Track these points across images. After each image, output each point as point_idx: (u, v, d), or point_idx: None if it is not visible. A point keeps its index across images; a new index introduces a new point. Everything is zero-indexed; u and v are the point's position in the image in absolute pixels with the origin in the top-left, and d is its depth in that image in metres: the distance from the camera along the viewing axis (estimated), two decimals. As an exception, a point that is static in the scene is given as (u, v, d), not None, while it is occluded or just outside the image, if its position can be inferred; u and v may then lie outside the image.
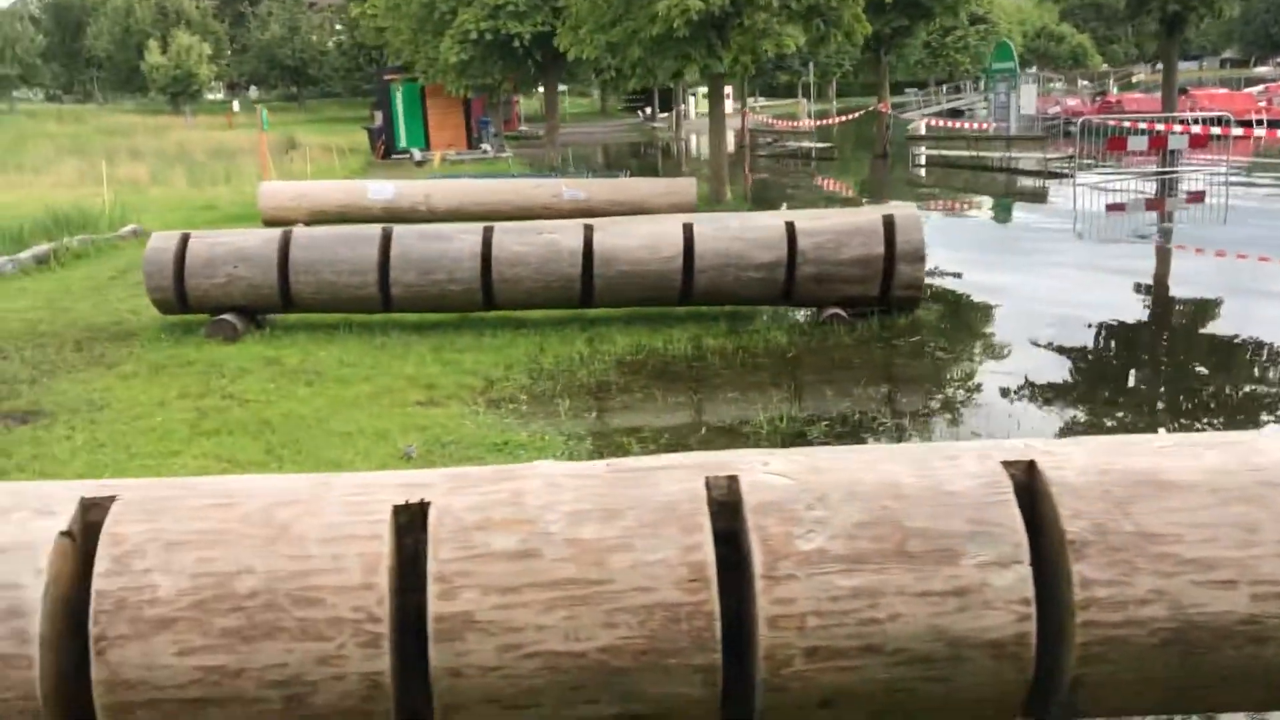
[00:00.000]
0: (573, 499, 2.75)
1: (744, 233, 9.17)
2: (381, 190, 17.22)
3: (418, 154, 38.02)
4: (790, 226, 9.15)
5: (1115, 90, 45.32)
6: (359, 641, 2.56)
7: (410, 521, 2.77)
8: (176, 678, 2.53)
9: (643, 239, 9.19)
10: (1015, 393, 7.35)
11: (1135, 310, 10.30)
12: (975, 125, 32.69)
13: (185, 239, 9.31)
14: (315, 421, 6.73)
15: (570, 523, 2.69)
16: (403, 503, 2.77)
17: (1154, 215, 17.76)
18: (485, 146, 38.90)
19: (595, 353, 8.45)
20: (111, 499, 2.77)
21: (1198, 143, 21.96)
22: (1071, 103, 41.76)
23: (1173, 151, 21.63)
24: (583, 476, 2.84)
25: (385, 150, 40.20)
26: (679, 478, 2.80)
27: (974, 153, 27.76)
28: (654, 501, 2.73)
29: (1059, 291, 10.91)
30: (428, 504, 2.77)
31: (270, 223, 16.76)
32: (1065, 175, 23.63)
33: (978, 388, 7.63)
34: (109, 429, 6.61)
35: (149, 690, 2.53)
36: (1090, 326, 9.34)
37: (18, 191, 23.70)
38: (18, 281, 12.18)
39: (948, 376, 7.97)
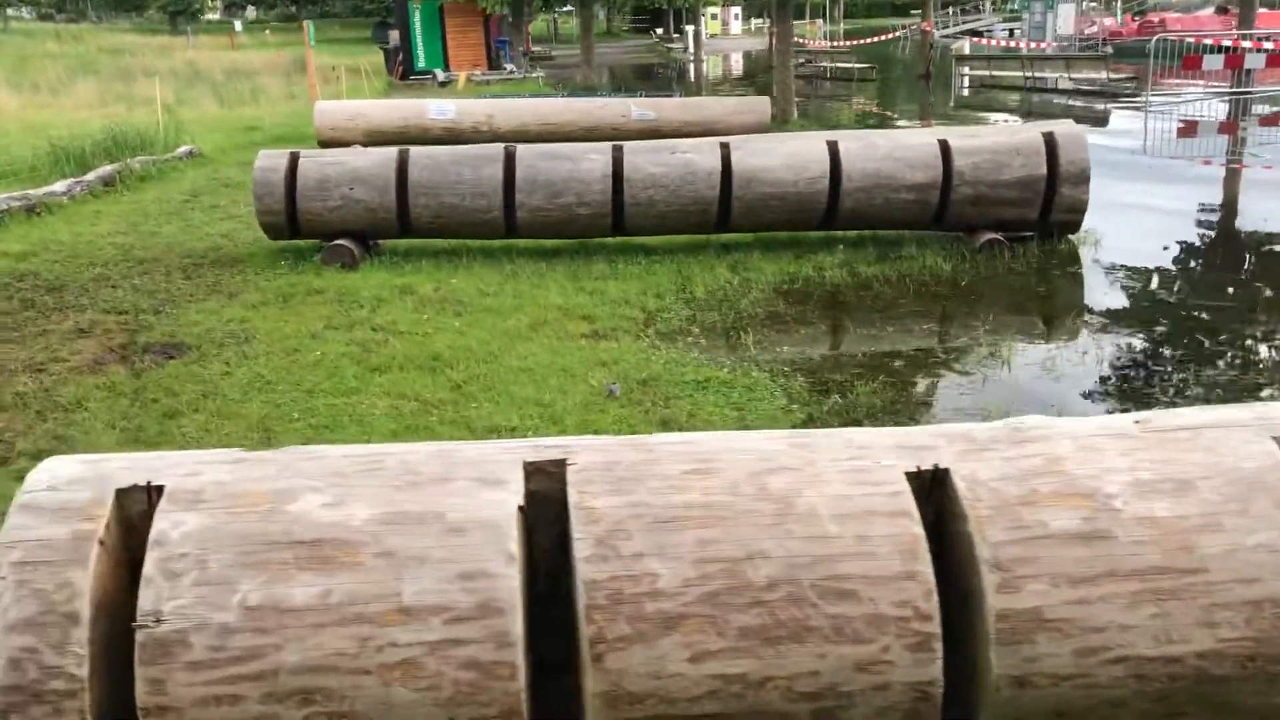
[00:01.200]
0: (1127, 466, 2.25)
1: (894, 152, 8.58)
2: (443, 110, 16.51)
3: (440, 75, 36.98)
4: (944, 145, 8.56)
5: (1155, 10, 44.12)
6: (905, 644, 2.08)
7: (919, 491, 2.27)
8: (689, 689, 2.06)
9: (785, 159, 8.60)
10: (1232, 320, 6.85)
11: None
12: (1029, 45, 31.73)
13: (295, 159, 8.70)
14: (487, 356, 6.22)
15: (1135, 496, 2.19)
16: (913, 468, 2.27)
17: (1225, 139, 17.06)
18: (510, 67, 37.86)
19: (746, 282, 7.91)
20: (559, 464, 2.27)
21: (1274, 61, 21.18)
22: (1109, 23, 40.58)
23: (1248, 71, 20.88)
24: (1120, 437, 2.33)
25: (404, 71, 39.11)
26: (1244, 438, 2.30)
27: (1028, 73, 26.87)
28: (1230, 469, 2.23)
29: (1194, 213, 10.36)
30: (944, 471, 2.27)
31: (325, 144, 16.10)
32: (1127, 97, 22.87)
33: (1193, 317, 7.12)
34: (268, 364, 6.10)
35: (657, 704, 2.05)
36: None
37: (45, 111, 22.86)
38: (89, 205, 11.55)
39: (1148, 307, 7.44)
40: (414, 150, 8.81)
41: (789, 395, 5.54)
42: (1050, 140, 8.53)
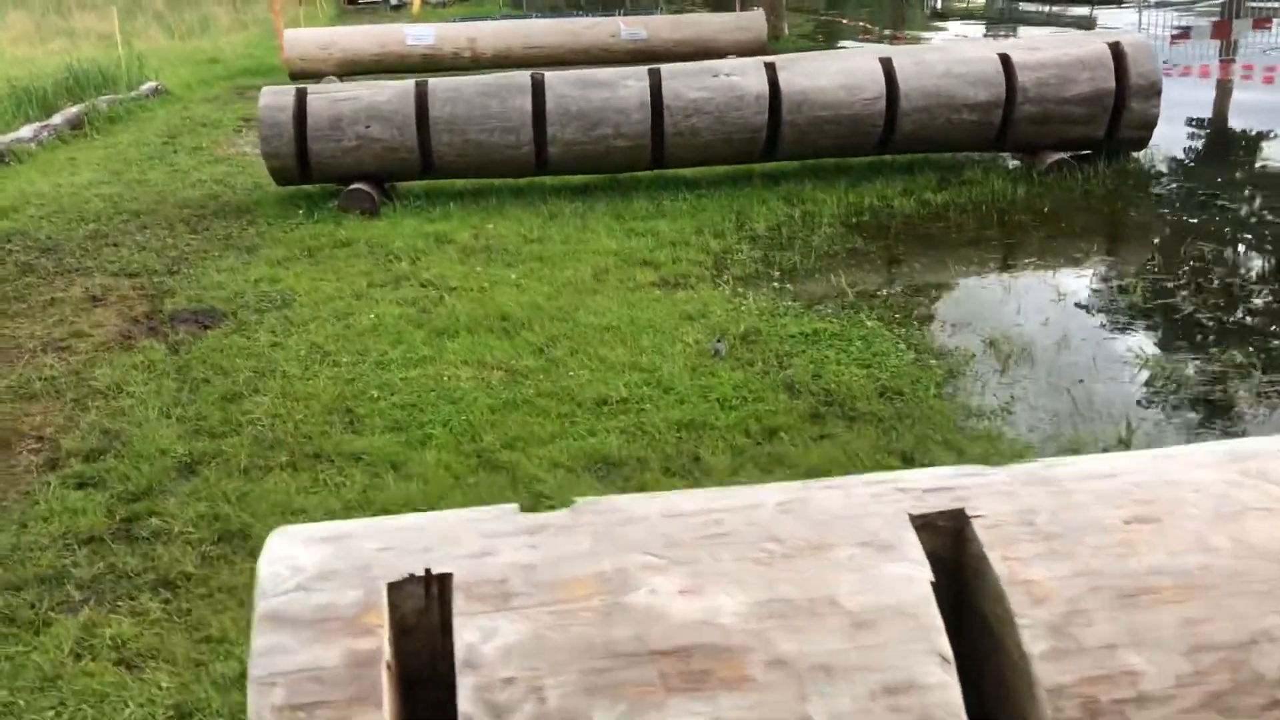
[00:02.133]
0: None
1: (953, 68, 7.99)
2: (421, 35, 15.60)
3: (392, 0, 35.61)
4: (1006, 60, 7.97)
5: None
6: None
7: None
8: (1193, 821, 1.54)
9: (838, 78, 7.98)
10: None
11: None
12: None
13: (303, 96, 7.92)
14: (559, 313, 5.62)
15: None
16: None
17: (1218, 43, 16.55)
18: (463, -13, 36.49)
19: (809, 215, 7.33)
20: (955, 515, 1.73)
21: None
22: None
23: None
24: None
25: (354, -3, 37.61)
26: None
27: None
28: None
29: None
30: None
31: (296, 75, 15.21)
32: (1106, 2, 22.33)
33: None
34: (320, 331, 5.46)
35: (1152, 845, 1.54)
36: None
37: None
38: (61, 151, 10.66)
39: (1254, 228, 6.97)
40: (434, 82, 8.07)
41: (914, 347, 5.02)
42: (1118, 51, 7.97)
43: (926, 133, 8.06)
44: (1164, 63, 10.89)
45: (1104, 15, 21.84)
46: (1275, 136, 9.57)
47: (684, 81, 8.01)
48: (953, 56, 8.13)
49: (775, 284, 6.05)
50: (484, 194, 8.18)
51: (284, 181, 8.17)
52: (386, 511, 3.61)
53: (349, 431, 4.33)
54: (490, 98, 7.91)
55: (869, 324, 5.30)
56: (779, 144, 8.11)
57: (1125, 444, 4.00)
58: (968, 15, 25.15)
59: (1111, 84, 7.89)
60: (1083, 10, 22.81)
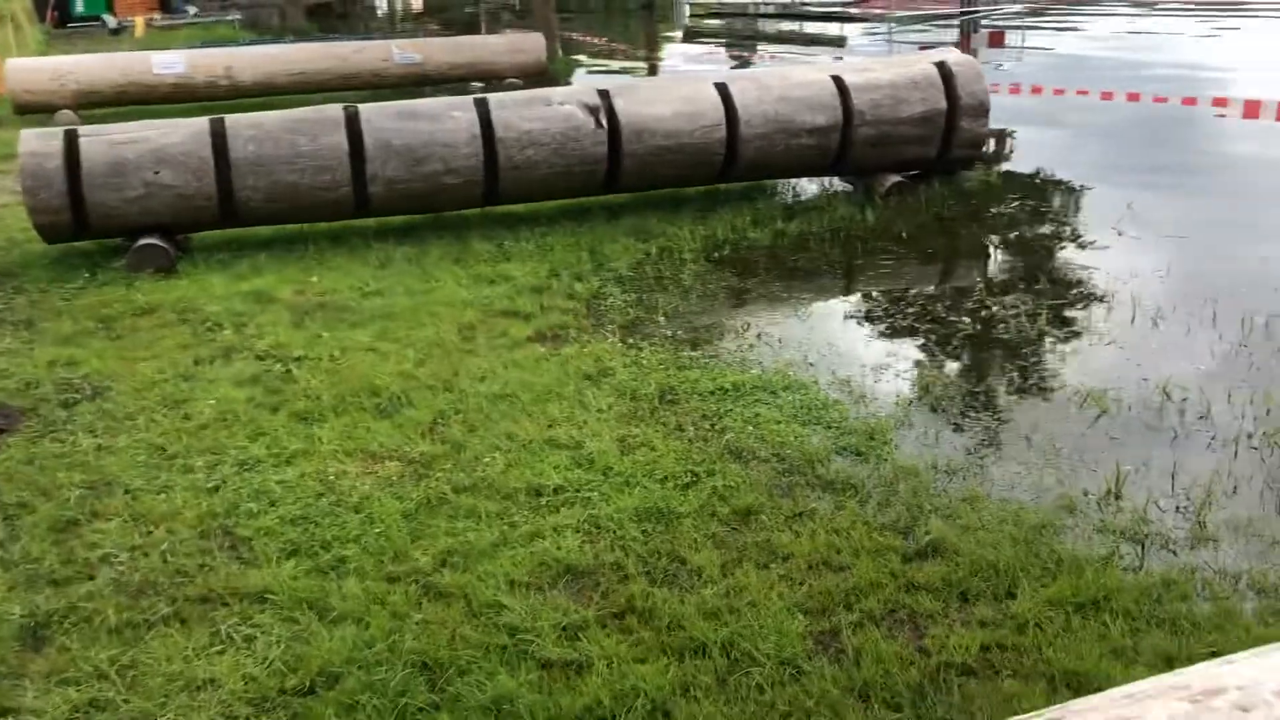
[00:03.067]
0: None
1: (790, 92, 7.76)
2: (170, 64, 14.15)
3: (111, 21, 32.80)
4: (840, 82, 7.82)
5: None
6: None
7: None
8: None
9: (677, 105, 7.59)
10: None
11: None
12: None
13: (74, 139, 6.76)
14: (437, 382, 4.91)
15: None
16: None
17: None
18: (191, 9, 34.18)
19: (666, 251, 6.89)
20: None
21: (994, -20, 22.02)
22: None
23: (978, -10, 21.59)
24: None
25: (61, 18, 34.42)
26: None
27: (758, -1, 26.86)
28: None
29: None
30: None
31: (23, 108, 13.52)
32: (862, 20, 23.24)
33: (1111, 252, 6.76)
34: (154, 427, 4.51)
35: None
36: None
37: None
38: None
39: (1085, 244, 7.03)
40: (232, 119, 7.09)
41: (847, 394, 4.64)
42: (945, 71, 7.98)
43: (767, 159, 7.79)
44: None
45: (853, 33, 22.63)
46: (1079, 143, 9.93)
47: (515, 112, 7.40)
48: (788, 80, 7.90)
49: (665, 331, 5.56)
50: (296, 242, 7.27)
51: (55, 239, 6.97)
52: (327, 674, 2.87)
53: (237, 561, 3.49)
54: (299, 134, 7.02)
55: (789, 372, 4.88)
56: (620, 176, 7.63)
57: (1115, 495, 3.75)
58: (713, 35, 25.58)
59: (943, 104, 7.88)
60: (833, 29, 23.61)
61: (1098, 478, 3.88)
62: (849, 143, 7.83)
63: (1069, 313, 5.64)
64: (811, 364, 5.03)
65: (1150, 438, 4.21)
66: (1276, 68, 13.15)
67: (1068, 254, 6.70)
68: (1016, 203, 7.87)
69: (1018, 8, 21.90)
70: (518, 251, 7.01)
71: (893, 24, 20.91)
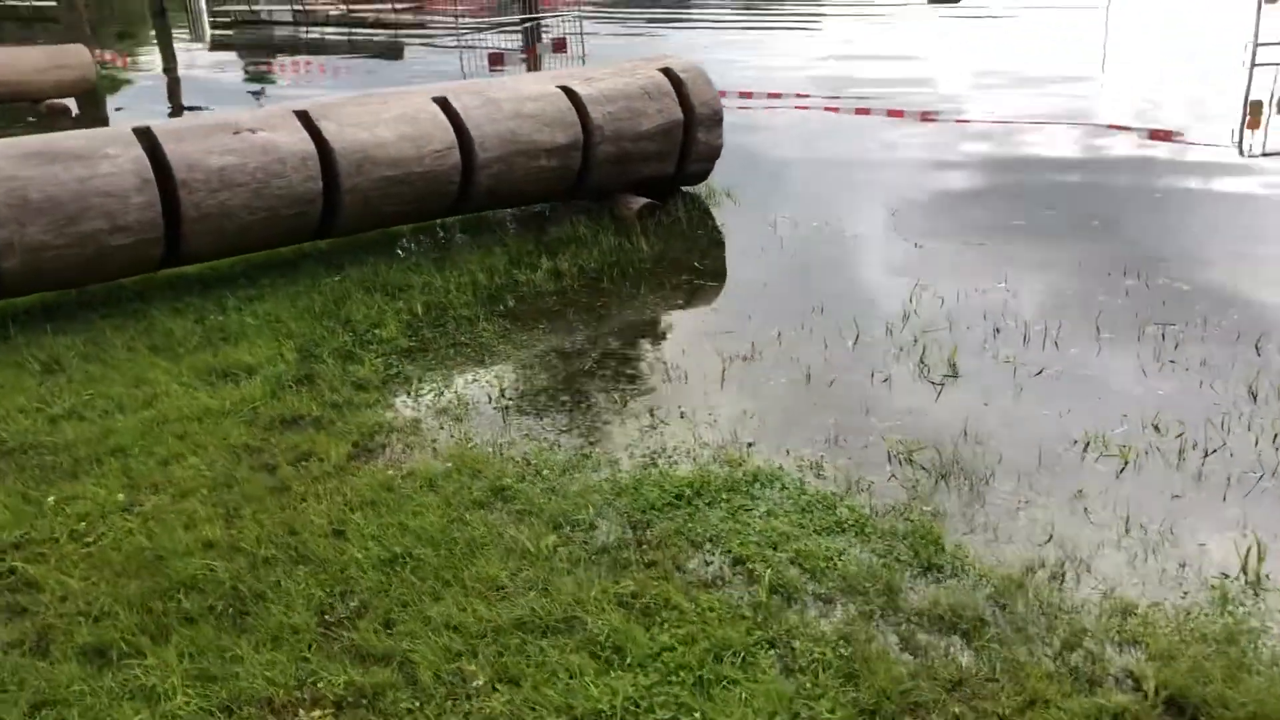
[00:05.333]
0: None
1: (522, 107, 6.64)
2: None
3: None
4: (573, 95, 6.82)
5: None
6: None
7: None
8: None
9: (398, 127, 6.20)
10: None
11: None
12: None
13: None
14: (281, 553, 3.35)
15: None
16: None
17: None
18: None
19: (434, 306, 5.54)
20: None
21: (550, -14, 21.89)
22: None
23: (536, -2, 21.34)
24: None
25: None
26: None
27: (297, 4, 24.70)
28: None
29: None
30: None
31: None
32: (418, 27, 22.13)
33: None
34: None
35: None
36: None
37: None
38: None
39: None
40: None
41: (842, 481, 3.72)
42: (674, 78, 7.25)
43: (506, 186, 6.62)
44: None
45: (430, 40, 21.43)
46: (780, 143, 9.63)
47: (197, 145, 5.62)
48: (516, 94, 6.75)
49: (526, 420, 4.30)
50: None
51: None
52: None
53: None
54: (-116, 192, 4.81)
55: (736, 456, 3.86)
56: (337, 217, 6.10)
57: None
58: (250, 44, 23.21)
59: (679, 114, 7.15)
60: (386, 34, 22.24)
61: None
62: (590, 162, 6.86)
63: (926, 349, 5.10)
64: (750, 441, 4.04)
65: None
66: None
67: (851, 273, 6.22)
68: (788, 219, 7.26)
69: (576, 12, 21.92)
70: (235, 327, 5.30)
71: (461, 31, 20.06)
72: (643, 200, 7.06)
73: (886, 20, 19.42)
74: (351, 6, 24.24)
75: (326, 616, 3.04)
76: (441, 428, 4.27)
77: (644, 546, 3.35)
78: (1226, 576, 3.13)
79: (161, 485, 3.80)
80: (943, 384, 4.52)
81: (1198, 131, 9.08)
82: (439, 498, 3.67)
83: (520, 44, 19.68)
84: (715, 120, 7.34)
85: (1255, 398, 4.26)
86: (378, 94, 6.52)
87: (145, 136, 5.57)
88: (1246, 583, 3.10)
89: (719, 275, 6.19)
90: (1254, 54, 11.91)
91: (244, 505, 3.65)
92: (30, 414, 4.37)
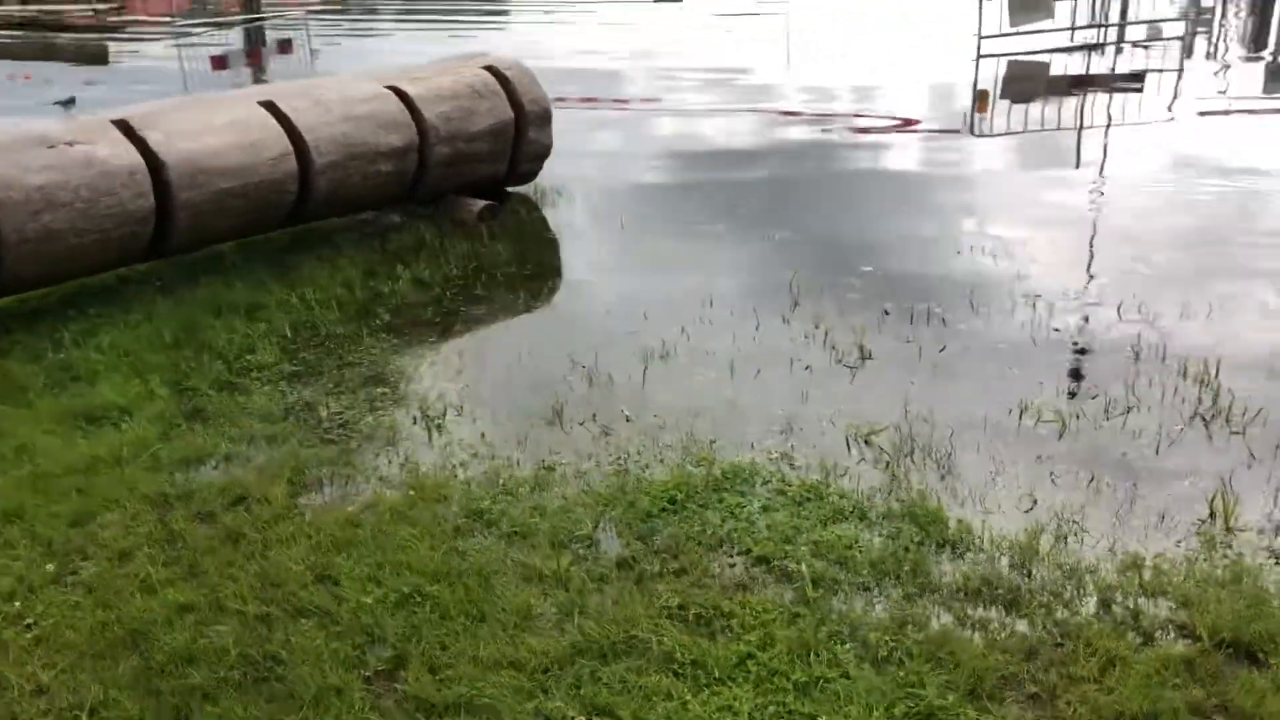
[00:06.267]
0: None
1: (353, 109, 6.28)
2: None
3: None
4: (404, 95, 6.52)
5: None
6: None
7: None
8: None
9: (230, 134, 5.71)
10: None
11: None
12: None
13: None
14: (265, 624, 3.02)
15: None
16: None
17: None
18: None
19: (303, 326, 5.15)
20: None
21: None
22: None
23: (258, -3, 20.22)
24: None
25: None
26: None
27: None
28: None
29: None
30: None
31: None
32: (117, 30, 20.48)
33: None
34: None
35: None
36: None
37: None
38: None
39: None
40: None
41: (827, 467, 3.74)
42: (500, 76, 7.07)
43: (343, 192, 6.24)
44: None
45: (129, 46, 19.76)
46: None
47: (8, 161, 4.94)
48: (345, 93, 6.35)
49: (465, 434, 4.07)
50: None
51: None
52: None
53: None
54: None
55: (714, 453, 3.82)
56: (171, 235, 5.54)
57: None
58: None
59: (510, 114, 6.97)
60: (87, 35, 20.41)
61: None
62: (426, 165, 6.58)
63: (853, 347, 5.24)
64: (712, 439, 3.99)
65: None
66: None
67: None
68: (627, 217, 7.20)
69: (299, 13, 20.95)
70: (82, 365, 4.72)
71: (178, 32, 18.73)
72: (482, 202, 6.84)
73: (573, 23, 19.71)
74: (43, 8, 22.10)
75: (364, 671, 2.76)
76: (376, 454, 3.98)
77: (662, 555, 3.26)
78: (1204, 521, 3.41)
79: (87, 548, 3.33)
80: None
81: (933, 119, 9.79)
82: (416, 530, 3.41)
83: (242, 45, 18.59)
84: (545, 118, 7.22)
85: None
86: (198, 100, 5.97)
87: (-57, 153, 4.85)
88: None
89: (591, 272, 6.09)
90: (979, 46, 12.97)
91: (200, 560, 3.25)
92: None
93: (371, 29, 20.97)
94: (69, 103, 10.91)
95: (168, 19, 20.70)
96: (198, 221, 5.59)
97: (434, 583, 3.11)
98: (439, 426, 4.19)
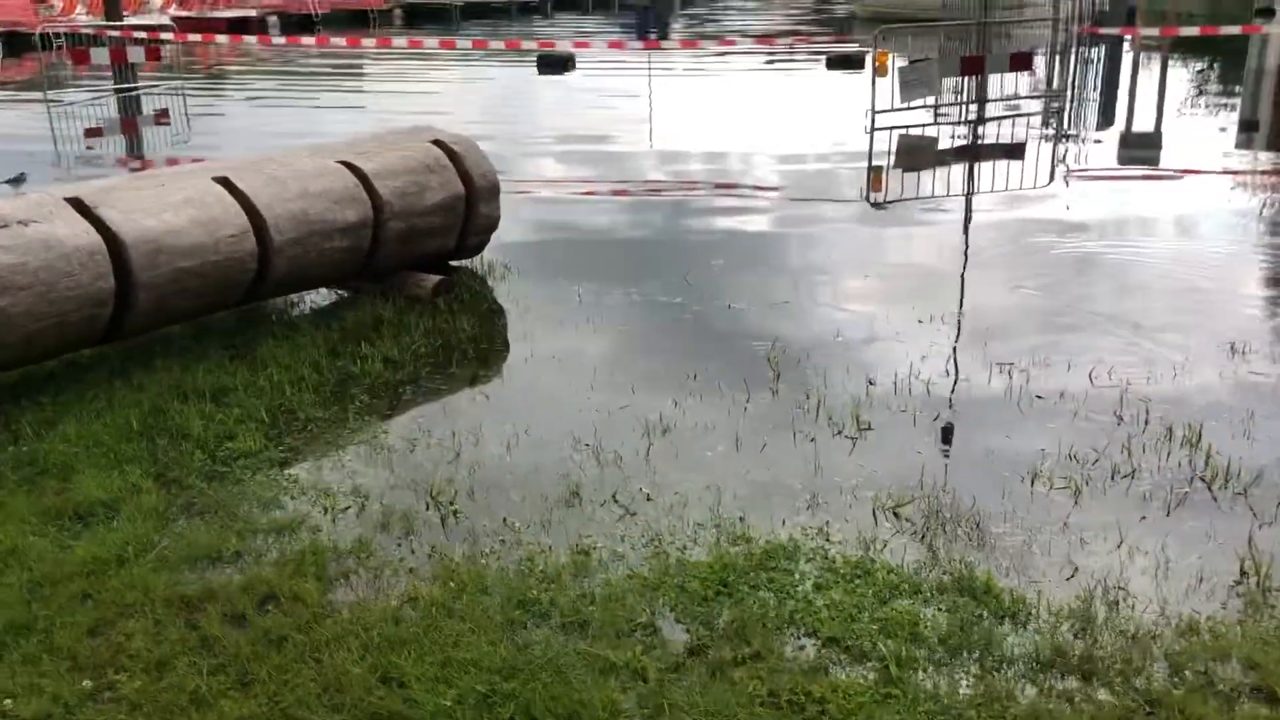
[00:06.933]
0: None
1: (308, 185, 6.12)
2: None
3: None
4: (356, 170, 6.40)
5: None
6: None
7: None
8: None
9: (188, 211, 5.50)
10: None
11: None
12: None
13: None
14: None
15: None
16: None
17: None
18: None
19: (279, 412, 4.94)
20: None
21: (152, 54, 20.18)
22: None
23: (133, 65, 19.60)
24: None
25: None
26: None
27: None
28: None
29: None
30: None
31: None
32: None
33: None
34: None
35: None
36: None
37: None
38: None
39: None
40: None
41: (866, 542, 3.75)
42: (449, 150, 7.01)
43: (301, 269, 6.05)
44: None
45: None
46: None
47: (-39, 240, 4.65)
48: (297, 171, 6.18)
49: (482, 520, 3.95)
50: None
51: None
52: None
53: None
54: None
55: (753, 535, 3.79)
56: (129, 316, 5.27)
57: None
58: None
59: (461, 188, 6.89)
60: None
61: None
62: (380, 240, 6.45)
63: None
64: (741, 516, 3.97)
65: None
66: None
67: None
68: (584, 289, 7.18)
69: (176, 83, 20.38)
70: (51, 458, 4.44)
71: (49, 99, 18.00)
72: (435, 278, 6.72)
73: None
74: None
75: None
76: (397, 544, 3.83)
77: (731, 641, 3.21)
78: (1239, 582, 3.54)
79: (118, 660, 3.09)
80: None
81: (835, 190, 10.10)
82: (467, 624, 3.28)
83: (115, 115, 17.96)
84: (493, 192, 7.17)
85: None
86: (149, 175, 5.73)
87: (-107, 235, 4.53)
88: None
89: (561, 345, 6.01)
90: (873, 120, 13.45)
91: (249, 668, 3.05)
92: None
93: (223, 104, 20.51)
94: (18, 180, 10.30)
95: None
96: (158, 303, 5.34)
97: (507, 680, 3.00)
98: (455, 512, 4.06)
